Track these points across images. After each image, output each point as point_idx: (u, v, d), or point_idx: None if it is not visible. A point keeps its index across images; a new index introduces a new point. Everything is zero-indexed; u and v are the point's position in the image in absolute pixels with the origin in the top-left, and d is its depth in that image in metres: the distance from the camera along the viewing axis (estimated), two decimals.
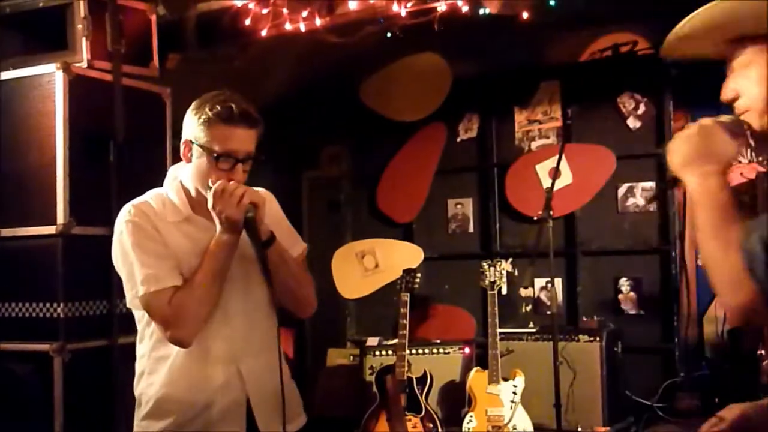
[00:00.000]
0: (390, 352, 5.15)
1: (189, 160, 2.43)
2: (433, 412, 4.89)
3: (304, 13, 4.27)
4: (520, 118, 5.94)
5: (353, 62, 5.86)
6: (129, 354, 3.78)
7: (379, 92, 6.31)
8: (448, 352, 5.32)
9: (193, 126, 2.40)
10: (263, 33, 4.37)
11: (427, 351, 5.29)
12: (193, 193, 2.47)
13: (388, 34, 4.35)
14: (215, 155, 2.35)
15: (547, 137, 5.83)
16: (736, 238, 1.58)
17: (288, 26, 4.30)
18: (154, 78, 4.18)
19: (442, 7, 3.99)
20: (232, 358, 2.45)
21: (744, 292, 1.56)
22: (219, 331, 2.44)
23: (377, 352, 5.28)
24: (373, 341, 5.42)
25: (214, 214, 2.35)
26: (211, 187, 2.34)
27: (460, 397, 5.01)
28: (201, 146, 2.37)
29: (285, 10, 4.29)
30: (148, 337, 2.48)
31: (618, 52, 5.70)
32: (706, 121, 1.79)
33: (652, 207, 5.49)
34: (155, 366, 2.46)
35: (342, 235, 6.41)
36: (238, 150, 2.37)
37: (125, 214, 2.42)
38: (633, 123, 5.55)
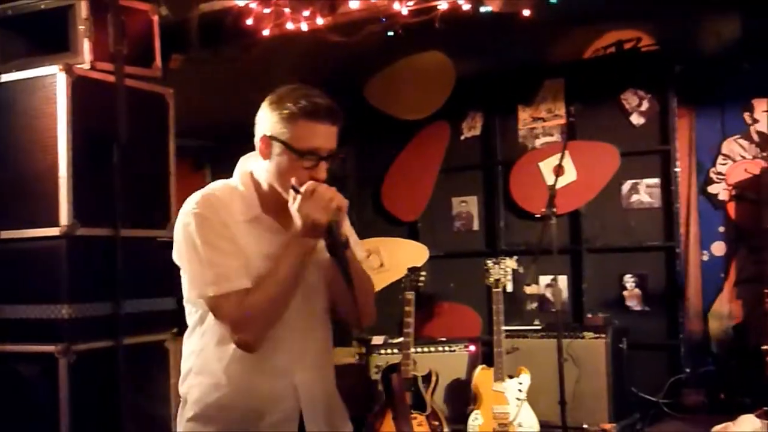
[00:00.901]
0: (395, 350, 5.14)
1: (267, 157, 2.27)
2: (438, 411, 4.88)
3: (306, 13, 4.26)
4: (523, 115, 5.93)
5: (357, 61, 5.86)
6: (135, 355, 3.82)
7: (384, 91, 6.30)
8: (454, 350, 5.30)
9: (273, 121, 2.25)
10: (265, 33, 4.36)
11: (432, 349, 5.28)
12: (266, 189, 2.32)
13: (390, 33, 4.33)
14: (299, 152, 2.22)
15: (551, 135, 5.82)
16: None
17: (290, 26, 4.29)
18: (156, 79, 4.16)
19: (443, 6, 3.98)
20: (288, 369, 2.34)
21: None
22: (278, 340, 2.31)
23: (383, 351, 5.27)
24: (378, 340, 5.41)
25: (297, 216, 2.20)
26: (294, 187, 2.19)
27: (466, 395, 5.00)
28: (283, 143, 2.22)
29: (287, 10, 4.27)
30: (199, 336, 2.36)
31: (621, 49, 5.69)
32: None
33: (657, 203, 5.48)
34: (205, 366, 2.34)
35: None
36: (322, 147, 2.23)
37: (193, 205, 2.27)
38: (637, 120, 5.53)
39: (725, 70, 5.28)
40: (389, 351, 5.23)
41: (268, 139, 2.25)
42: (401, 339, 4.97)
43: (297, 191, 2.18)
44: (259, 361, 2.29)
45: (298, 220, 2.20)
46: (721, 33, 5.36)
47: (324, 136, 2.23)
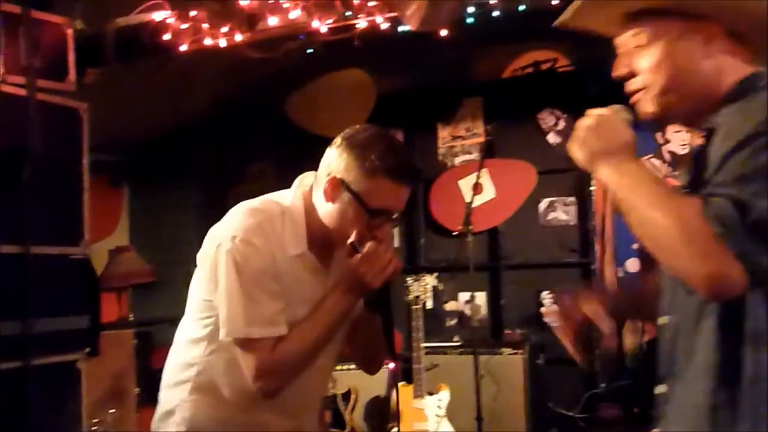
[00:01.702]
0: None
1: (331, 200, 2.13)
2: (358, 429, 4.87)
3: (225, 29, 4.23)
4: (443, 134, 5.99)
5: (277, 78, 5.84)
6: (46, 376, 3.71)
7: (305, 107, 6.30)
8: None
9: (350, 167, 2.10)
10: (183, 48, 4.32)
11: (352, 367, 5.25)
12: (318, 223, 2.19)
13: (310, 50, 4.33)
14: (371, 210, 2.09)
15: (470, 153, 5.88)
16: (687, 205, 1.46)
17: (208, 41, 4.26)
18: (70, 93, 4.08)
19: (362, 24, 3.99)
20: (301, 411, 2.30)
21: (717, 260, 1.40)
22: (299, 383, 2.19)
23: None
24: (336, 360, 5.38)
25: (350, 273, 2.11)
26: (354, 245, 2.10)
27: (386, 412, 5.00)
28: (356, 194, 2.09)
29: (205, 26, 4.24)
30: (204, 350, 2.22)
31: (539, 69, 5.79)
32: (602, 111, 1.69)
33: (573, 221, 5.57)
34: (209, 385, 2.22)
35: None
36: (394, 208, 2.14)
37: (247, 230, 2.12)
38: (553, 138, 5.63)
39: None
40: None
41: (339, 183, 2.12)
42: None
43: (356, 250, 2.10)
44: (281, 403, 2.20)
45: (350, 278, 2.12)
46: None
47: (399, 198, 2.14)
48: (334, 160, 2.14)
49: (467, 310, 5.69)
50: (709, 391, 1.56)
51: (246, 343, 2.09)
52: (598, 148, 1.64)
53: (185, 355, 2.27)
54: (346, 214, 2.11)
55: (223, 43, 4.25)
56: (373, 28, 4.00)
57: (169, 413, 2.26)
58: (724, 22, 1.65)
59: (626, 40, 1.72)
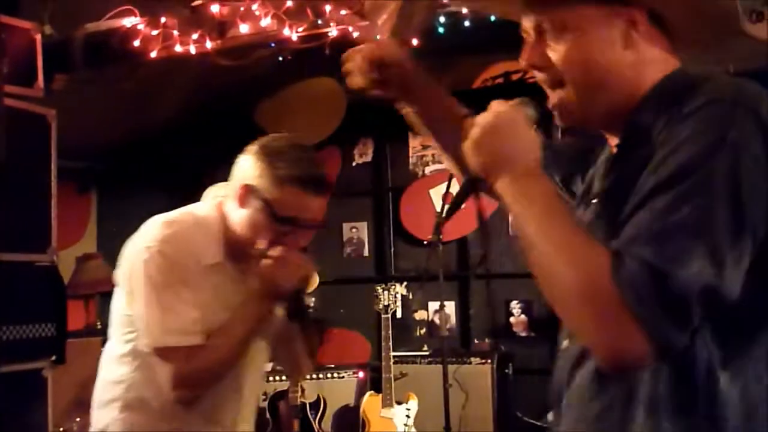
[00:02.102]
0: (283, 377, 5.10)
1: (243, 206, 2.15)
2: None
3: (195, 36, 4.23)
4: (414, 143, 6.01)
5: (247, 85, 5.83)
6: (11, 384, 3.67)
7: (275, 116, 6.28)
8: (342, 377, 5.31)
9: (259, 175, 2.13)
10: (153, 54, 4.30)
11: (321, 376, 5.26)
12: (234, 233, 2.21)
13: (281, 58, 4.33)
14: (279, 219, 2.11)
15: (441, 162, 5.89)
16: (595, 257, 1.23)
17: (178, 48, 4.25)
18: (38, 99, 4.05)
19: (333, 33, 4.01)
20: (233, 423, 2.28)
21: (619, 330, 1.19)
22: (228, 393, 2.23)
23: (270, 378, 5.22)
24: (266, 366, 5.36)
25: (262, 279, 2.13)
26: (262, 250, 2.13)
27: (355, 421, 5.00)
28: (265, 201, 2.11)
29: (175, 32, 4.23)
30: (130, 366, 2.21)
31: (509, 79, 5.83)
32: (503, 106, 1.44)
33: None
34: (138, 402, 2.20)
35: None
36: (304, 219, 2.14)
37: (159, 241, 2.13)
38: None
39: None
40: (276, 378, 5.20)
41: (250, 190, 2.14)
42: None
43: (265, 255, 2.12)
44: (206, 409, 2.20)
45: (262, 283, 2.14)
46: None
47: (309, 208, 2.15)
48: (247, 167, 2.17)
49: (436, 320, 5.71)
50: None
51: (162, 353, 2.10)
52: (496, 153, 1.39)
53: (113, 373, 2.26)
54: (257, 221, 2.14)
55: (193, 50, 4.24)
56: (344, 36, 4.01)
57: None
58: (647, 4, 1.40)
59: (532, 27, 1.47)
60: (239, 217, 2.17)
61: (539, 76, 1.49)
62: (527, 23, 1.47)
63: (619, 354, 1.22)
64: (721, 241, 1.19)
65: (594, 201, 1.50)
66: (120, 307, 2.22)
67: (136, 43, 4.32)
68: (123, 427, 2.21)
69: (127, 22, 4.37)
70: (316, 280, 2.23)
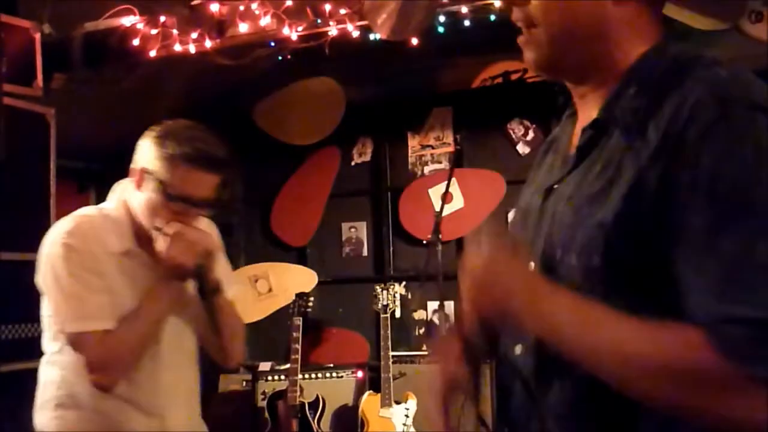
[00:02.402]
0: (282, 377, 5.12)
1: (140, 189, 2.21)
2: None
3: (194, 35, 4.23)
4: (413, 143, 6.01)
5: (246, 84, 5.83)
6: (11, 382, 3.68)
7: (274, 115, 6.28)
8: (341, 376, 5.31)
9: (152, 156, 2.18)
10: (152, 54, 4.30)
11: (320, 375, 5.27)
12: (139, 221, 2.25)
13: (280, 58, 4.33)
14: (170, 197, 2.15)
15: (440, 162, 5.91)
16: (677, 341, 1.10)
17: (178, 47, 4.25)
18: (37, 98, 4.06)
19: (333, 32, 4.01)
20: (162, 408, 2.29)
21: (752, 401, 1.05)
22: (147, 381, 2.25)
23: (270, 377, 5.23)
24: (265, 366, 5.37)
25: (163, 257, 2.17)
26: (158, 228, 2.17)
27: (353, 421, 5.00)
28: (158, 182, 2.16)
29: (175, 32, 4.23)
30: (60, 366, 2.25)
31: (508, 79, 5.83)
32: (477, 255, 1.34)
33: None
34: (71, 399, 2.24)
35: (235, 258, 6.32)
36: (195, 195, 2.17)
37: (62, 234, 2.18)
38: (522, 149, 5.67)
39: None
40: (276, 377, 5.20)
41: (144, 173, 2.19)
42: (288, 365, 4.95)
43: (160, 231, 2.17)
44: (134, 398, 2.23)
45: (163, 262, 2.18)
46: None
47: (201, 184, 2.18)
48: (140, 151, 2.24)
49: (436, 319, 5.71)
50: None
51: (75, 340, 2.15)
52: (501, 300, 1.29)
53: (47, 374, 2.29)
54: (152, 202, 2.19)
55: (192, 49, 4.25)
56: (344, 36, 4.02)
57: None
58: None
59: None
60: (138, 200, 2.23)
61: (516, 13, 1.35)
62: None
63: (751, 424, 1.07)
64: None
65: (567, 171, 1.37)
66: (44, 307, 2.26)
67: (135, 42, 4.32)
68: (57, 426, 2.24)
69: (126, 21, 4.37)
70: (216, 251, 2.23)
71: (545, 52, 1.34)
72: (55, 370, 2.27)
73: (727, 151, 1.11)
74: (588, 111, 1.36)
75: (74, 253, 2.16)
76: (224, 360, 2.45)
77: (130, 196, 2.28)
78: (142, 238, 2.26)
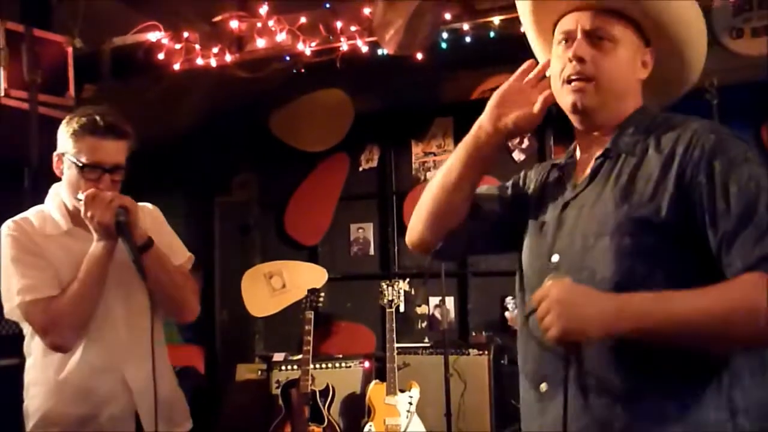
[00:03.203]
0: (295, 366, 5.10)
1: (61, 173, 2.34)
2: (335, 423, 4.86)
3: (215, 50, 4.23)
4: (416, 150, 5.99)
5: (263, 95, 5.83)
6: None
7: (288, 124, 6.27)
8: (350, 366, 5.29)
9: (63, 139, 2.32)
10: (176, 67, 4.30)
11: (329, 365, 5.25)
12: (70, 207, 2.36)
13: (294, 71, 4.33)
14: (82, 165, 2.26)
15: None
16: (745, 287, 1.38)
17: (200, 61, 4.25)
18: (69, 107, 4.04)
19: (343, 47, 4.00)
20: (115, 365, 2.32)
21: None
22: (101, 338, 2.31)
23: (283, 367, 5.22)
24: (279, 357, 5.36)
25: (86, 220, 2.24)
26: (79, 197, 2.24)
27: (361, 408, 4.99)
28: (70, 158, 2.29)
29: (197, 46, 4.23)
30: (34, 349, 2.34)
31: None
32: (558, 286, 1.48)
33: None
34: (40, 377, 2.32)
35: (251, 257, 6.33)
36: (104, 161, 2.27)
37: (5, 229, 2.32)
38: (518, 156, 5.66)
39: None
40: (289, 367, 5.19)
41: (59, 157, 2.32)
42: (300, 356, 4.94)
43: (80, 200, 2.24)
44: (86, 362, 2.28)
45: (89, 225, 2.24)
46: None
47: (105, 150, 2.28)
48: (58, 140, 2.35)
49: (437, 314, 5.69)
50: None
51: (25, 310, 2.24)
52: (589, 326, 1.45)
53: (27, 360, 2.39)
54: (71, 178, 2.30)
55: (213, 62, 4.24)
56: (354, 51, 4.01)
57: (26, 415, 2.36)
58: (661, 49, 1.66)
59: (587, 30, 1.63)
60: (62, 185, 2.35)
61: (576, 68, 1.61)
62: (584, 25, 1.62)
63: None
64: None
65: (581, 189, 1.67)
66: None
67: (160, 56, 4.32)
68: (37, 402, 2.33)
69: (152, 36, 4.37)
70: (132, 207, 2.28)
71: (593, 100, 1.62)
72: (30, 356, 2.37)
73: (732, 159, 1.47)
74: (592, 148, 1.69)
75: (15, 241, 2.28)
76: (178, 314, 2.47)
77: (58, 187, 2.40)
78: (75, 217, 2.33)
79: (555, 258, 1.63)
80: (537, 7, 1.76)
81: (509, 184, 2.04)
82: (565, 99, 1.65)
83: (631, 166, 1.57)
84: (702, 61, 1.73)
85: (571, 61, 1.62)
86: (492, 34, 3.86)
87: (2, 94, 3.81)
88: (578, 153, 1.77)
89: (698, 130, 1.52)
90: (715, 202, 1.44)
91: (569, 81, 1.63)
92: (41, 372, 2.32)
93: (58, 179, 2.41)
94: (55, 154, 2.35)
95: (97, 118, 2.28)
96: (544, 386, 1.66)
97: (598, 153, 1.65)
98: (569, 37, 1.65)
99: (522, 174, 2.01)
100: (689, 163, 1.48)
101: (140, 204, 2.40)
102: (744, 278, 1.37)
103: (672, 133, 1.55)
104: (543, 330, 1.48)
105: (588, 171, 1.67)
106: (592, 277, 1.52)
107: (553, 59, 1.70)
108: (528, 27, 1.84)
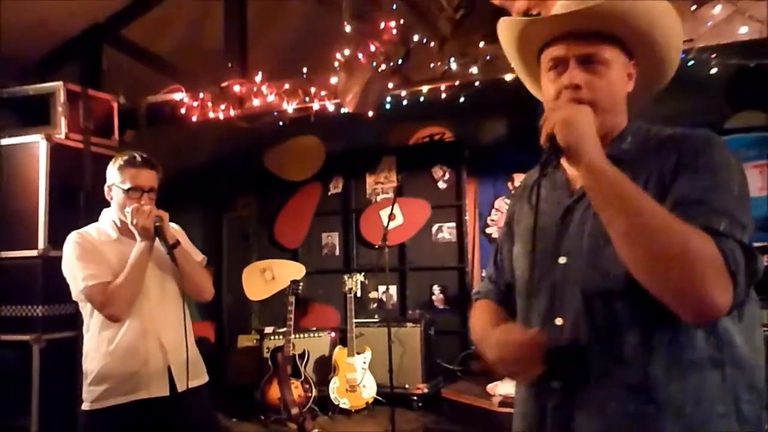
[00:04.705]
0: (281, 336, 5.04)
1: (111, 198, 2.37)
2: (309, 378, 4.81)
3: (222, 106, 4.18)
4: (370, 180, 5.99)
5: (258, 140, 5.80)
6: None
7: (277, 160, 6.25)
8: (321, 336, 5.25)
9: (111, 173, 2.35)
10: (194, 119, 4.24)
11: (306, 335, 5.20)
12: (119, 223, 2.38)
13: (281, 123, 4.30)
14: (126, 189, 2.30)
15: (388, 193, 5.90)
16: (696, 233, 1.08)
17: (211, 115, 4.19)
18: (114, 148, 3.98)
19: (316, 106, 3.99)
20: (154, 330, 2.31)
21: (725, 293, 1.06)
22: (142, 311, 2.31)
23: (272, 337, 5.16)
24: (269, 329, 5.29)
25: (132, 227, 2.27)
26: (127, 211, 2.28)
27: (328, 366, 4.95)
28: (117, 185, 2.32)
29: (209, 104, 4.18)
30: (92, 326, 2.32)
31: (432, 138, 5.85)
32: (570, 107, 1.22)
33: (453, 239, 5.61)
34: (98, 345, 2.30)
35: (250, 256, 6.26)
36: (142, 185, 2.32)
37: (70, 237, 2.34)
38: (442, 185, 5.68)
39: (497, 154, 5.52)
40: (276, 337, 5.13)
41: (109, 187, 2.36)
42: (285, 329, 4.89)
43: (126, 214, 2.29)
44: (134, 328, 2.28)
45: (133, 230, 2.28)
46: (495, 130, 5.60)
47: (142, 177, 2.32)
48: (107, 176, 2.38)
49: (384, 298, 5.69)
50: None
51: (88, 293, 2.25)
52: (579, 133, 1.17)
53: (86, 334, 2.36)
54: (120, 200, 2.34)
55: (221, 116, 4.19)
56: (324, 109, 4.00)
57: (86, 374, 2.33)
58: (642, 63, 1.31)
59: (580, 56, 1.27)
60: (112, 206, 2.39)
61: (571, 94, 1.26)
62: (576, 52, 1.28)
63: (711, 304, 1.06)
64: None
65: (580, 195, 1.30)
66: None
67: (182, 110, 4.25)
68: (93, 365, 2.29)
69: (176, 95, 4.31)
70: (165, 216, 2.31)
71: (596, 121, 1.26)
72: (89, 330, 2.34)
73: (713, 156, 1.18)
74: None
75: (79, 245, 2.30)
76: (198, 295, 2.45)
77: (108, 211, 2.43)
78: (122, 229, 2.37)
79: (563, 260, 1.28)
80: (522, 35, 1.36)
81: (497, 249, 1.62)
82: None
83: (631, 172, 1.19)
84: (678, 59, 1.34)
85: (567, 87, 1.27)
86: (422, 98, 3.88)
87: (63, 137, 3.72)
88: (567, 168, 1.37)
89: (691, 137, 1.22)
90: (693, 176, 1.16)
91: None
92: (97, 343, 2.29)
93: (107, 204, 2.41)
94: (106, 185, 2.36)
95: (135, 155, 2.34)
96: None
97: None
98: (560, 63, 1.29)
99: (504, 226, 1.60)
100: (680, 167, 1.18)
101: (169, 224, 2.40)
102: (707, 236, 1.08)
103: (667, 143, 1.23)
104: (545, 129, 1.19)
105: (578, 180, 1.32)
106: (606, 276, 1.19)
107: (546, 85, 1.33)
108: (511, 55, 1.43)
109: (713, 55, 3.21)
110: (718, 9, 3.13)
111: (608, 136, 1.29)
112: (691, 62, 3.17)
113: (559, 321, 1.26)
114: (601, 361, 1.19)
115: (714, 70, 3.30)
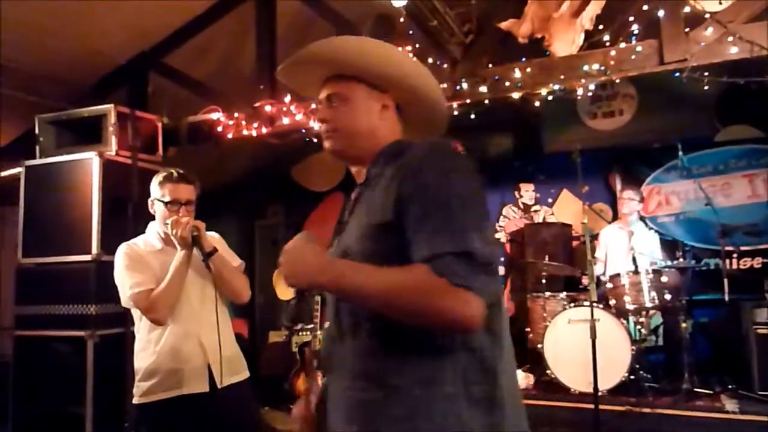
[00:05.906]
0: (308, 333, 5.05)
1: (154, 212, 2.37)
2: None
3: (255, 125, 4.22)
4: None
5: (287, 155, 5.84)
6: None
7: (304, 173, 6.29)
8: None
9: (153, 189, 2.36)
10: (230, 136, 4.29)
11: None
12: (162, 234, 2.37)
13: (307, 139, 4.33)
14: (166, 202, 2.31)
15: None
16: (412, 272, 1.10)
17: (245, 132, 4.24)
18: (159, 162, 4.04)
19: None
20: (194, 332, 2.30)
21: (461, 301, 1.07)
22: (184, 315, 2.30)
23: (300, 333, 5.17)
24: (297, 326, 5.31)
25: (172, 237, 2.26)
26: (167, 223, 2.28)
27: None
28: (158, 200, 2.33)
29: (243, 122, 4.23)
30: (141, 328, 2.33)
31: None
32: (290, 244, 1.30)
33: None
34: (146, 346, 2.31)
35: (278, 260, 6.28)
36: (180, 198, 2.32)
37: (120, 249, 2.35)
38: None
39: (504, 166, 5.49)
40: (304, 333, 5.15)
41: (152, 201, 2.36)
42: (311, 325, 4.90)
43: (167, 225, 2.28)
44: (176, 330, 2.28)
45: (174, 240, 2.27)
46: (502, 144, 5.59)
47: (180, 191, 2.32)
48: (151, 190, 2.37)
49: None
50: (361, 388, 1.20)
51: (135, 299, 2.25)
52: (303, 272, 1.23)
53: (137, 335, 2.36)
54: (161, 213, 2.34)
55: (254, 133, 4.23)
56: None
57: (137, 371, 2.32)
58: (396, 97, 1.37)
59: (325, 97, 1.38)
60: (156, 219, 2.38)
61: (322, 127, 1.37)
62: (322, 95, 1.38)
63: (463, 320, 1.07)
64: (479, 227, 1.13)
65: (349, 213, 1.39)
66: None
67: (219, 128, 4.30)
68: (142, 363, 2.29)
69: (214, 115, 4.36)
70: (201, 226, 2.31)
71: (338, 144, 1.36)
72: (139, 331, 2.34)
73: (426, 177, 1.15)
74: (360, 179, 1.39)
75: (127, 255, 2.31)
76: (236, 298, 2.44)
77: (153, 224, 2.42)
78: (165, 241, 2.36)
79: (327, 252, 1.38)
80: (299, 85, 1.46)
81: None
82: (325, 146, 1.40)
83: (376, 189, 1.26)
84: (441, 101, 1.43)
85: (317, 121, 1.40)
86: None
87: (114, 154, 3.78)
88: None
89: (409, 162, 1.20)
90: (410, 207, 1.14)
91: (324, 136, 1.39)
92: (145, 343, 2.30)
93: (153, 217, 2.41)
94: (149, 200, 2.37)
95: (173, 171, 2.35)
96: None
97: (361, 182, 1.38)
98: (319, 103, 1.40)
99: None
100: (405, 177, 1.17)
101: (208, 233, 2.39)
102: (417, 266, 1.09)
103: (402, 156, 1.23)
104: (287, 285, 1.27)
105: (352, 197, 1.41)
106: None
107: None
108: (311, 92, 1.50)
109: (705, 74, 3.21)
110: (710, 31, 3.14)
111: (367, 157, 1.35)
112: (685, 80, 3.16)
113: (327, 324, 1.37)
114: (343, 355, 1.25)
115: (706, 87, 3.29)
